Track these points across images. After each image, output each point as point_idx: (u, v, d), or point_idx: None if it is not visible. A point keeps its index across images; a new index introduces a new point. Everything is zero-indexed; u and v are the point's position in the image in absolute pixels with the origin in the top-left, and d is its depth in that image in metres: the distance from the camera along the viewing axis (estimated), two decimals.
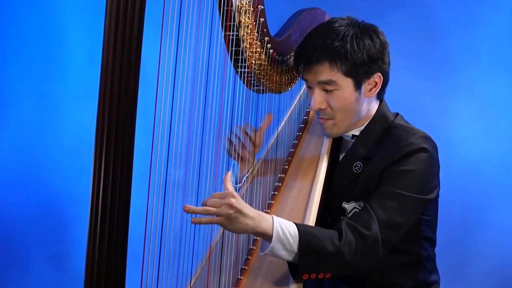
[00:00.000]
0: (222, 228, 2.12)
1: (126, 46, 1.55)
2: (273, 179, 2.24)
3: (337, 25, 2.12)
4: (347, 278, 2.17)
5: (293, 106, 2.45)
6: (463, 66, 3.46)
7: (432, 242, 2.23)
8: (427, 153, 2.06)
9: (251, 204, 2.16)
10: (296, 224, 1.91)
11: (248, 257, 2.06)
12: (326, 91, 2.10)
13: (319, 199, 2.07)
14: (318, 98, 2.11)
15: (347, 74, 2.08)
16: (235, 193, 1.83)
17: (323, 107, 2.12)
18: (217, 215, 1.82)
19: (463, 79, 3.47)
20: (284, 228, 1.88)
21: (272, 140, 2.34)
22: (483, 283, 3.44)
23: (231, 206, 1.82)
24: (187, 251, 1.93)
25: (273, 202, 2.18)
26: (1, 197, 3.63)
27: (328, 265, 1.91)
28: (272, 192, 2.21)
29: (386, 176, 2.03)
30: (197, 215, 1.82)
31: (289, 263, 1.91)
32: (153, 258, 1.74)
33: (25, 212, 3.64)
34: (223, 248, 2.07)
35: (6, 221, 3.65)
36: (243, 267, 2.04)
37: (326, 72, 2.08)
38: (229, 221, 1.83)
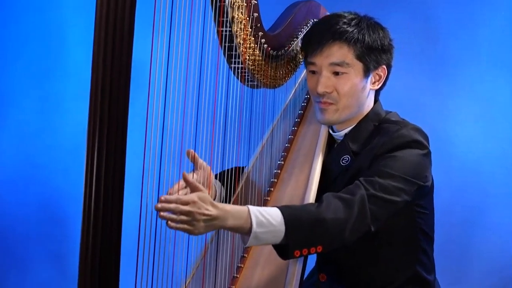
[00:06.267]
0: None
1: (117, 42, 1.54)
2: (269, 174, 2.23)
3: (347, 14, 2.16)
4: (344, 276, 2.17)
5: (288, 101, 2.45)
6: (463, 66, 3.46)
7: (429, 238, 2.21)
8: (419, 145, 2.05)
9: (246, 201, 2.17)
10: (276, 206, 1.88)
11: (244, 254, 2.06)
12: (335, 74, 2.11)
13: (315, 195, 2.06)
14: (325, 81, 2.11)
15: (359, 58, 2.10)
16: (201, 194, 1.76)
17: (329, 90, 2.11)
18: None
19: (463, 79, 3.46)
20: (261, 211, 1.83)
21: (267, 135, 2.33)
22: (483, 283, 3.43)
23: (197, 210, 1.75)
24: (181, 251, 1.92)
25: (269, 198, 2.17)
26: (1, 197, 3.64)
27: (314, 233, 1.85)
28: (268, 188, 2.20)
29: (377, 161, 2.02)
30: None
31: (275, 246, 1.87)
32: (147, 258, 1.73)
33: (25, 212, 3.65)
34: (219, 246, 2.07)
35: (6, 221, 3.65)
36: (239, 265, 2.04)
37: (341, 53, 2.10)
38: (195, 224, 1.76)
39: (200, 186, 1.79)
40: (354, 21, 2.13)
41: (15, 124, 3.63)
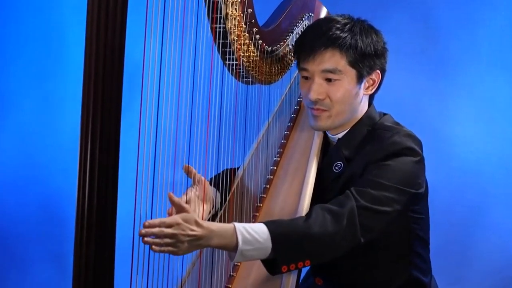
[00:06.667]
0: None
1: (109, 40, 1.52)
2: (265, 171, 2.22)
3: (340, 18, 2.12)
4: (339, 280, 2.17)
5: (283, 96, 2.42)
6: (463, 66, 3.46)
7: (424, 242, 2.20)
8: (412, 153, 2.03)
9: (242, 198, 2.16)
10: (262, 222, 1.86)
11: None
12: (328, 81, 2.07)
13: (311, 193, 2.05)
14: (318, 88, 2.07)
15: (352, 64, 2.07)
16: (185, 215, 1.75)
17: (322, 97, 2.07)
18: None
19: (463, 79, 3.46)
20: (248, 228, 1.81)
21: (263, 131, 2.31)
22: (483, 283, 3.43)
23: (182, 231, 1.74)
24: None
25: (265, 195, 2.17)
26: (1, 197, 3.64)
27: (302, 248, 1.85)
28: (264, 185, 2.19)
29: (369, 169, 2.00)
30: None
31: (263, 261, 1.86)
32: (143, 257, 1.71)
33: (25, 212, 3.65)
34: None
35: (6, 221, 3.65)
36: (235, 263, 2.03)
37: (333, 60, 2.06)
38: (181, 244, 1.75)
39: (186, 206, 1.78)
40: (347, 26, 2.09)
41: (15, 124, 3.63)
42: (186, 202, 2.02)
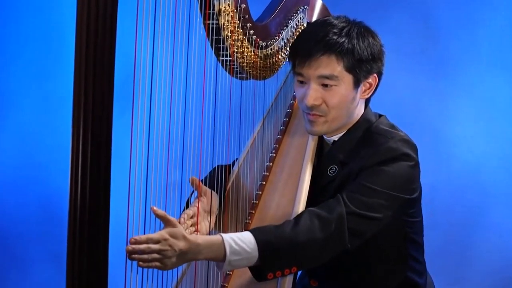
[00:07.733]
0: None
1: (100, 37, 1.50)
2: (260, 168, 2.21)
3: (337, 22, 2.08)
4: (334, 282, 2.16)
5: (278, 91, 2.39)
6: (463, 66, 3.46)
7: (418, 245, 2.19)
8: (408, 158, 2.01)
9: (238, 195, 2.15)
10: (250, 230, 1.86)
11: None
12: (324, 86, 2.04)
13: (306, 196, 2.04)
14: (314, 94, 2.04)
15: (349, 70, 2.03)
16: (171, 230, 1.73)
17: (318, 103, 2.04)
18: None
19: (463, 79, 3.46)
20: (235, 238, 1.81)
21: (258, 127, 2.29)
22: (483, 283, 3.43)
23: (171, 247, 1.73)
24: None
25: (260, 192, 2.16)
26: (1, 197, 3.64)
27: (288, 256, 1.85)
28: (260, 182, 2.18)
29: (363, 174, 1.98)
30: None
31: (250, 267, 1.86)
32: (137, 262, 1.70)
33: (25, 212, 3.65)
34: None
35: (6, 221, 3.65)
36: None
37: (330, 66, 2.02)
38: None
39: (172, 219, 1.74)
40: (344, 31, 2.04)
41: (15, 124, 3.63)
42: (192, 217, 2.01)
